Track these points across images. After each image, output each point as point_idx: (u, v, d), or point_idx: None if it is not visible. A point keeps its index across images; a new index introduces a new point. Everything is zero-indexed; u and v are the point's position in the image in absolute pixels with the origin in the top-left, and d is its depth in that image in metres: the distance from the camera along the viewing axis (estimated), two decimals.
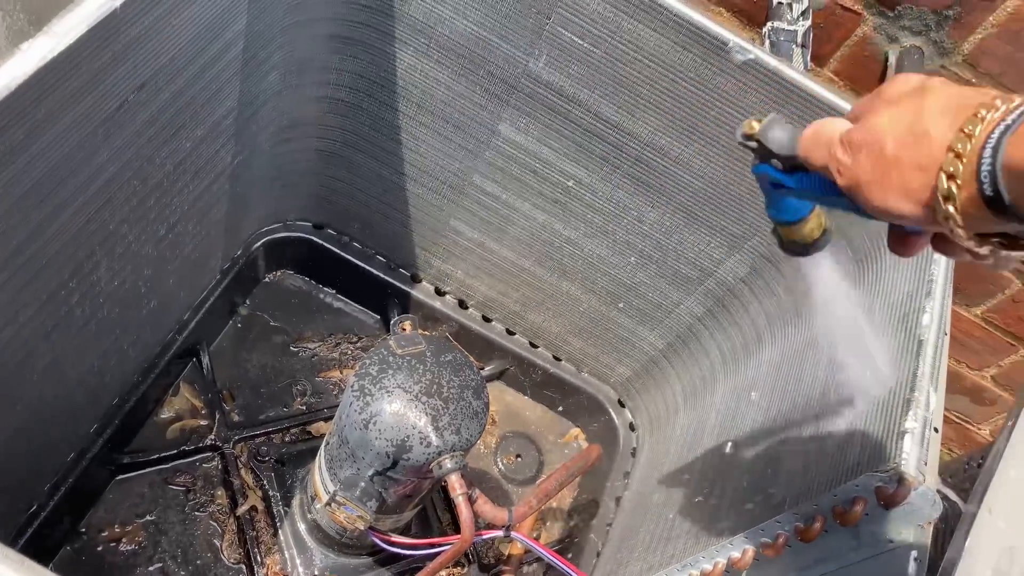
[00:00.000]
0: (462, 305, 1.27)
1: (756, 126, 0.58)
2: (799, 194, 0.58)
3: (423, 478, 0.84)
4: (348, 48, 0.97)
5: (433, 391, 0.83)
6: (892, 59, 1.04)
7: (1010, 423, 0.71)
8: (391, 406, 0.81)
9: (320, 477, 0.95)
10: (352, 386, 0.83)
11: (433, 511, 1.15)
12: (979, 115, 0.44)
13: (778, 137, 0.56)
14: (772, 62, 0.80)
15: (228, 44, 0.80)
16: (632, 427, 1.26)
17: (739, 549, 0.75)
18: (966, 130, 0.44)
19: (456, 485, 0.81)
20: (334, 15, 0.92)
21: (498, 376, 1.31)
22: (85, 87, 0.61)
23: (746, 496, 0.81)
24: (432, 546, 0.89)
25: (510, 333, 1.28)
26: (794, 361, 0.89)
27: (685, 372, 1.15)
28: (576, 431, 1.32)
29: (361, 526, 0.88)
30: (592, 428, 1.30)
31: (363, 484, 0.87)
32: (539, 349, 1.28)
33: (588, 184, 1.00)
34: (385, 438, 0.80)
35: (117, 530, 1.05)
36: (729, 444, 0.93)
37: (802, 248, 0.62)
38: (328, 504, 0.88)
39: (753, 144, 0.59)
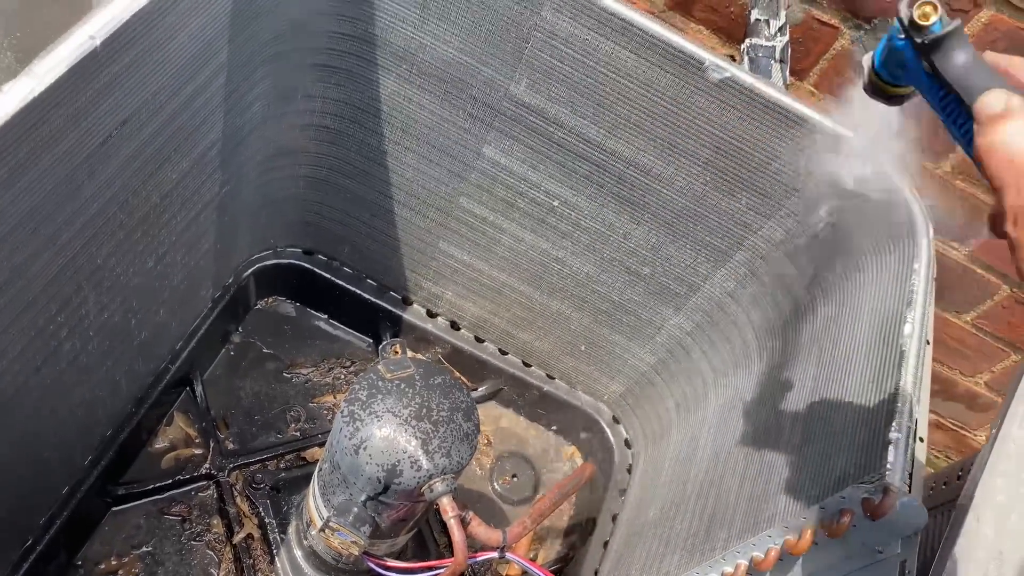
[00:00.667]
0: (454, 326, 1.27)
1: (931, 17, 0.51)
2: (918, 86, 0.54)
3: (415, 502, 0.84)
4: (331, 76, 0.98)
5: (423, 414, 0.83)
6: None
7: (994, 431, 0.72)
8: (381, 431, 0.81)
9: (314, 503, 0.95)
10: (342, 411, 0.83)
11: (430, 533, 1.15)
12: None
13: (956, 62, 0.51)
14: (748, 79, 0.81)
15: (210, 77, 0.81)
16: (628, 444, 1.26)
17: (731, 564, 0.75)
18: None
19: (448, 508, 0.81)
20: (316, 45, 0.93)
21: (492, 396, 1.31)
22: (67, 124, 0.62)
23: (738, 510, 0.82)
24: (427, 569, 0.89)
25: (503, 353, 1.28)
26: (782, 374, 0.90)
27: (678, 387, 1.15)
28: (572, 449, 1.32)
29: (355, 551, 0.88)
30: (588, 446, 1.30)
31: (356, 509, 0.87)
32: (532, 368, 1.28)
33: (574, 203, 1.01)
34: (376, 463, 0.81)
35: (114, 562, 1.05)
36: (721, 458, 0.94)
37: (885, 99, 0.60)
38: (322, 530, 0.88)
39: (910, 37, 0.52)
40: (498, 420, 1.31)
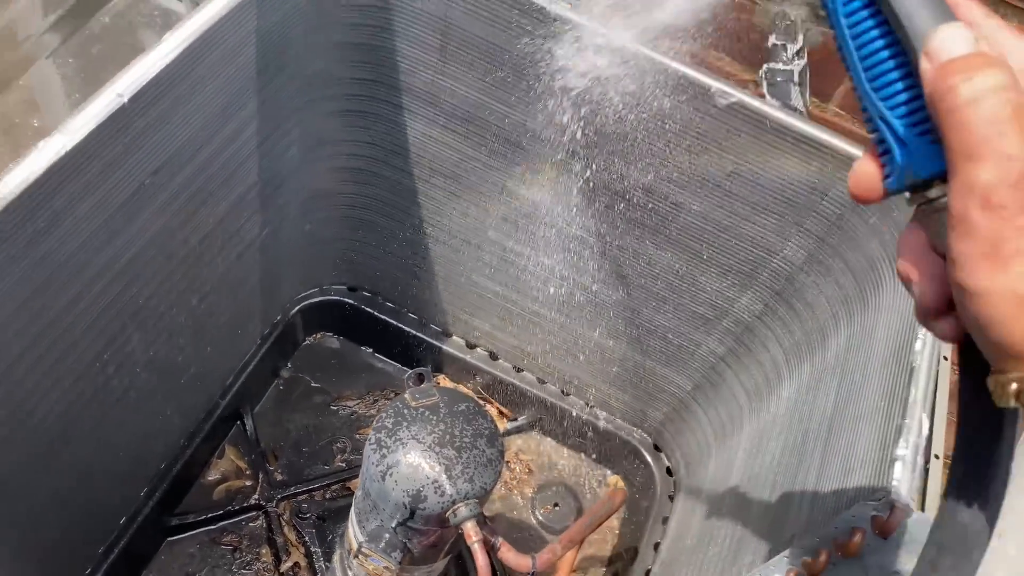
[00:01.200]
0: (492, 356, 1.30)
1: None
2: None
3: (441, 527, 0.86)
4: (360, 120, 1.03)
5: (446, 441, 0.85)
6: None
7: (1017, 447, 0.70)
8: (406, 457, 0.84)
9: (352, 530, 0.98)
10: (370, 439, 0.86)
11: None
12: None
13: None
14: (755, 103, 0.82)
15: (241, 126, 0.86)
16: (669, 472, 1.26)
17: None
18: None
19: (471, 532, 0.83)
20: (343, 92, 0.99)
21: (532, 426, 1.33)
22: (101, 175, 0.68)
23: (762, 534, 0.81)
24: None
25: (541, 382, 1.30)
26: (808, 396, 0.89)
27: (715, 413, 1.15)
28: (615, 478, 1.33)
29: None
30: (629, 474, 1.30)
31: (387, 535, 0.89)
32: (570, 397, 1.30)
33: (596, 232, 1.03)
34: (401, 489, 0.83)
35: None
36: (751, 482, 0.93)
37: None
38: (355, 556, 0.91)
39: None
40: (539, 449, 1.33)
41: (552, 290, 1.14)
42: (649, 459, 1.27)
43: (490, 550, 0.92)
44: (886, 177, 0.38)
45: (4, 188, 0.58)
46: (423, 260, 1.19)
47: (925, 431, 0.64)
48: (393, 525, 0.88)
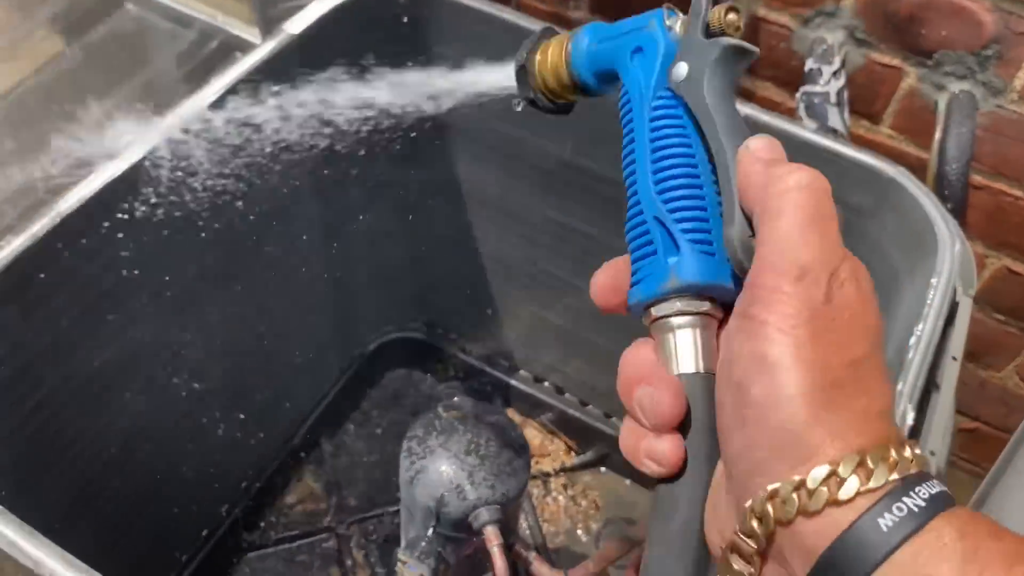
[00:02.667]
0: (559, 391, 1.33)
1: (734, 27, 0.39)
2: (630, 93, 0.42)
3: (467, 532, 0.89)
4: (413, 163, 1.12)
5: (471, 449, 0.89)
6: (942, 106, 1.03)
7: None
8: (432, 464, 0.88)
9: (401, 544, 1.03)
10: (403, 448, 0.91)
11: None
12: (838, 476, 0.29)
13: (718, 92, 0.38)
14: (764, 117, 0.84)
15: (292, 165, 0.96)
16: None
17: None
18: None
19: (492, 536, 0.86)
20: (396, 135, 1.08)
21: (601, 461, 1.33)
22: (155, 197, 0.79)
23: None
24: None
25: (607, 416, 1.31)
26: None
27: None
28: None
29: None
30: None
31: (423, 543, 0.93)
32: None
33: None
34: (427, 493, 0.88)
35: None
36: None
37: (552, 104, 0.53)
38: (395, 564, 0.96)
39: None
40: (606, 485, 1.33)
41: (607, 319, 1.16)
42: None
43: (524, 563, 0.95)
44: (634, 284, 0.39)
45: (64, 204, 0.70)
46: (484, 294, 1.25)
47: (909, 422, 0.63)
48: (427, 533, 0.92)
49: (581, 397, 1.32)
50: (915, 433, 0.63)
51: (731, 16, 0.39)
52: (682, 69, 0.39)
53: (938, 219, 0.75)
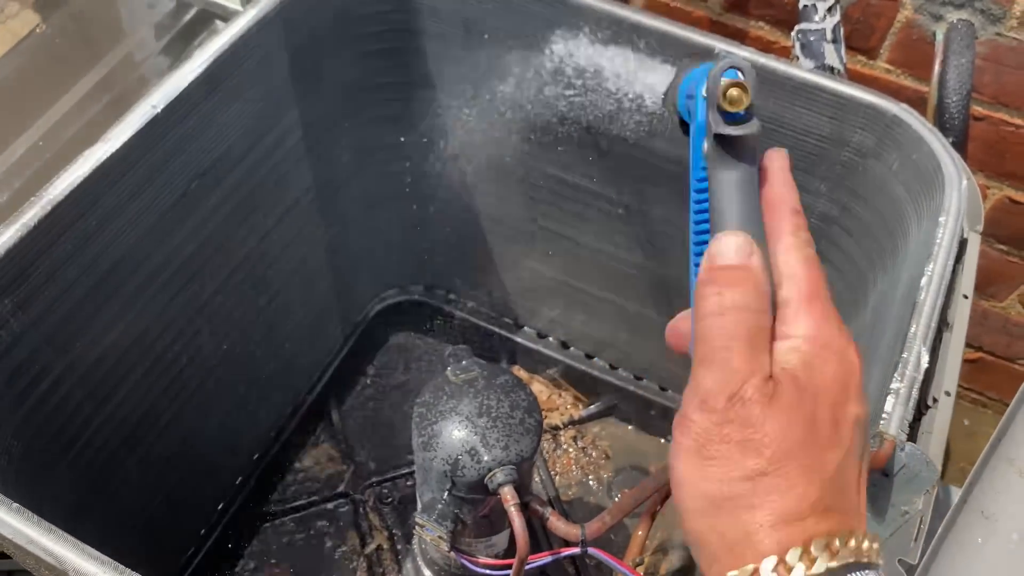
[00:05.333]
0: (564, 345, 1.33)
1: (740, 104, 0.41)
2: (692, 154, 0.46)
3: (485, 494, 0.90)
4: (405, 122, 1.10)
5: (483, 411, 0.89)
6: (940, 37, 1.01)
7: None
8: (445, 429, 0.88)
9: (418, 507, 1.04)
10: (413, 414, 0.91)
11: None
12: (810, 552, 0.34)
13: (726, 175, 0.42)
14: (760, 59, 0.82)
15: (284, 133, 0.95)
16: None
17: None
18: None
19: (508, 496, 0.86)
20: (383, 98, 1.05)
21: (609, 412, 1.34)
22: (145, 179, 0.77)
23: None
24: (506, 566, 0.94)
25: (613, 368, 1.31)
26: None
27: None
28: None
29: (444, 547, 0.95)
30: None
31: (439, 506, 0.94)
32: (644, 381, 1.30)
33: (637, 209, 1.05)
34: (440, 458, 0.88)
35: (266, 573, 1.19)
36: None
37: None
38: (413, 527, 0.96)
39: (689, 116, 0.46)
40: (615, 435, 1.34)
41: (609, 273, 1.16)
42: None
43: (541, 520, 0.95)
44: None
45: (53, 190, 0.68)
46: (486, 253, 1.24)
47: (924, 364, 0.63)
48: (442, 496, 0.92)
49: (586, 350, 1.32)
50: (929, 376, 0.63)
51: (733, 92, 0.41)
52: (706, 146, 0.42)
53: (944, 156, 0.74)
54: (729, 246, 0.39)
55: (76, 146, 0.72)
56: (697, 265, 0.41)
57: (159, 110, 0.75)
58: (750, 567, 0.34)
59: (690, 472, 0.37)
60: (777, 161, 0.42)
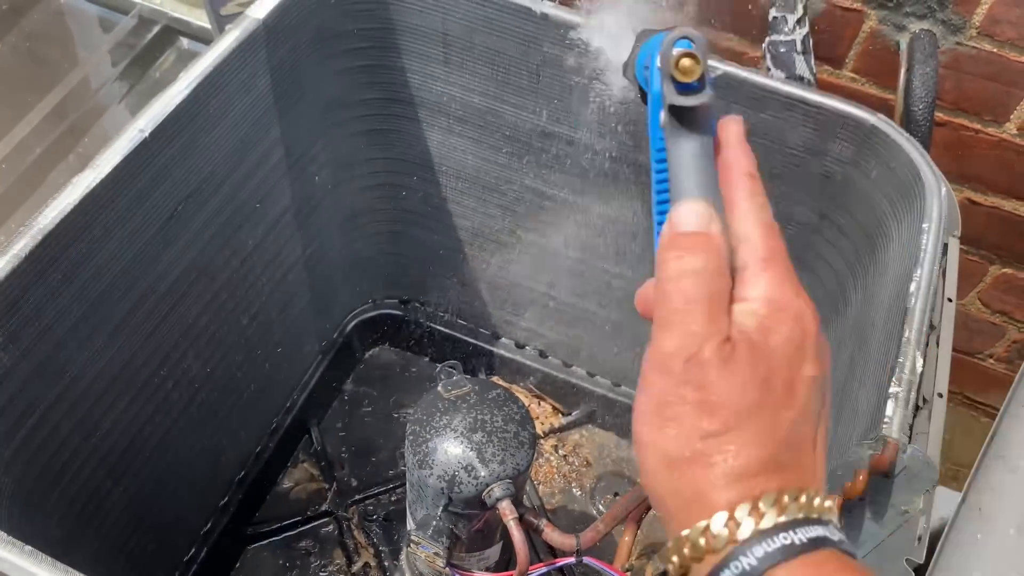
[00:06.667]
0: (542, 355, 1.33)
1: (692, 75, 0.41)
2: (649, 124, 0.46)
3: (480, 510, 0.90)
4: (383, 138, 1.09)
5: (477, 426, 0.90)
6: (904, 47, 1.04)
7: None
8: (440, 445, 0.89)
9: (409, 525, 1.03)
10: (407, 431, 0.91)
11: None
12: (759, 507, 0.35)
13: (684, 147, 0.42)
14: (741, 73, 0.85)
15: (267, 152, 0.94)
16: None
17: None
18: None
19: (507, 511, 0.87)
20: (362, 114, 1.05)
21: (588, 420, 1.35)
22: (133, 204, 0.76)
23: None
24: None
25: (591, 375, 1.32)
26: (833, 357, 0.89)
27: None
28: None
29: (440, 564, 0.95)
30: None
31: (434, 523, 0.94)
32: (622, 388, 1.32)
33: (616, 218, 1.06)
34: (436, 475, 0.88)
35: None
36: None
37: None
38: (407, 545, 0.96)
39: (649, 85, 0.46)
40: (595, 442, 1.35)
41: (588, 281, 1.17)
42: None
43: (535, 531, 0.96)
44: None
45: (43, 220, 0.67)
46: (462, 266, 1.25)
47: (919, 369, 0.65)
48: (437, 512, 0.92)
49: (564, 359, 1.33)
50: (924, 379, 0.65)
51: (685, 62, 0.40)
52: (663, 117, 0.42)
53: (923, 165, 0.77)
54: (689, 213, 0.39)
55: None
56: (660, 234, 0.42)
57: (147, 134, 0.74)
58: (703, 524, 0.35)
59: (650, 433, 0.38)
60: (732, 127, 0.42)
